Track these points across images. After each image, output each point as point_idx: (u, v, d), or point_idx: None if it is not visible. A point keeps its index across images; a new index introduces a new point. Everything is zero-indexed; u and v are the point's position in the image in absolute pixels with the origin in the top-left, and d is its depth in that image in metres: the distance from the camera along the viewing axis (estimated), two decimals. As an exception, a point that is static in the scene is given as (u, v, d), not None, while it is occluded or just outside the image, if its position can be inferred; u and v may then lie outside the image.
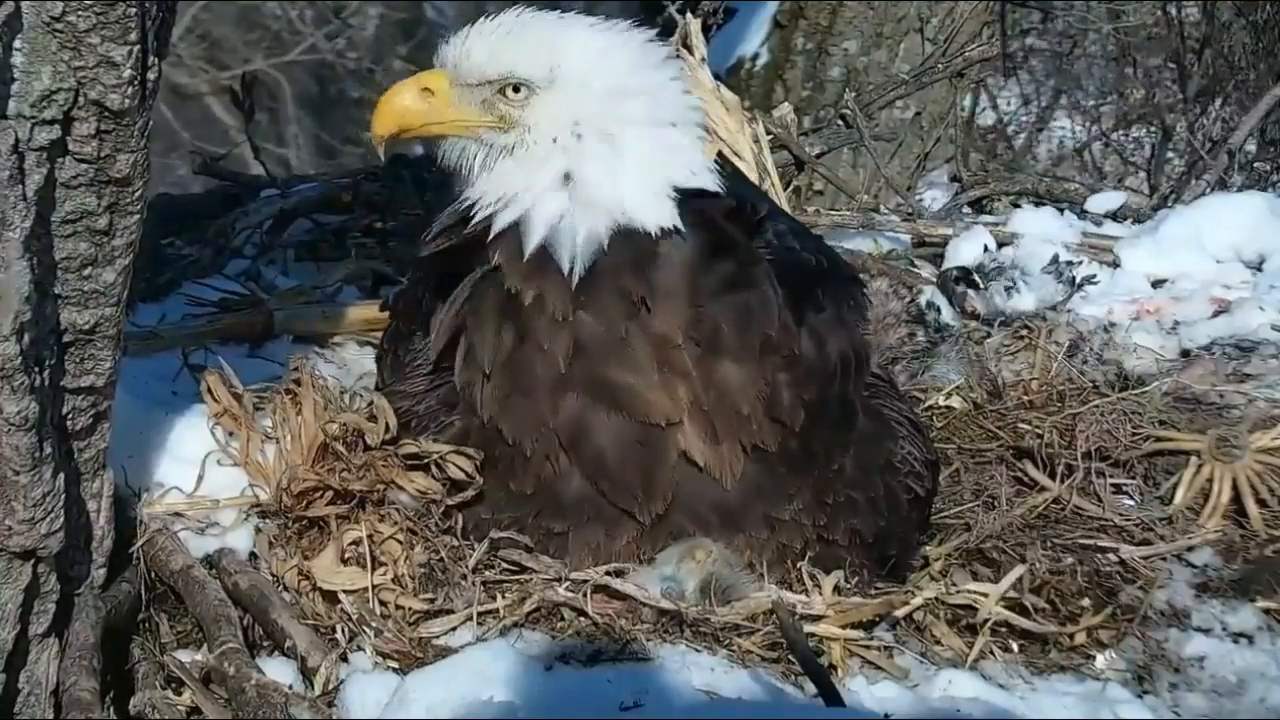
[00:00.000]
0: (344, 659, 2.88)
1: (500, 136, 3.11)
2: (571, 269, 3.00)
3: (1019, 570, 3.12)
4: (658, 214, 3.04)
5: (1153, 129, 9.90)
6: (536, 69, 3.07)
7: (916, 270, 4.91)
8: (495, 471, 3.12)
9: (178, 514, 3.17)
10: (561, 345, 3.00)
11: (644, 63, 3.14)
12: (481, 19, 3.11)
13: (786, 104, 5.70)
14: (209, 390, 3.30)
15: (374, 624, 2.93)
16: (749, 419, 3.04)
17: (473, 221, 3.10)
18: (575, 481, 3.05)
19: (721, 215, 3.10)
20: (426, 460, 3.14)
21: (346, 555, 3.05)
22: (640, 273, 3.01)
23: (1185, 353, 4.28)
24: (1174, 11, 9.06)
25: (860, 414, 3.27)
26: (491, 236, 3.06)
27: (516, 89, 3.09)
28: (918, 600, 3.06)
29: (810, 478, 3.13)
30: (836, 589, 3.06)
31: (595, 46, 3.11)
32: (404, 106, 3.12)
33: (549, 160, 3.07)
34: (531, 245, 3.02)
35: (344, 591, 3.01)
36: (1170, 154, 9.05)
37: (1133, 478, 3.58)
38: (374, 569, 3.03)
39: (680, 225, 3.04)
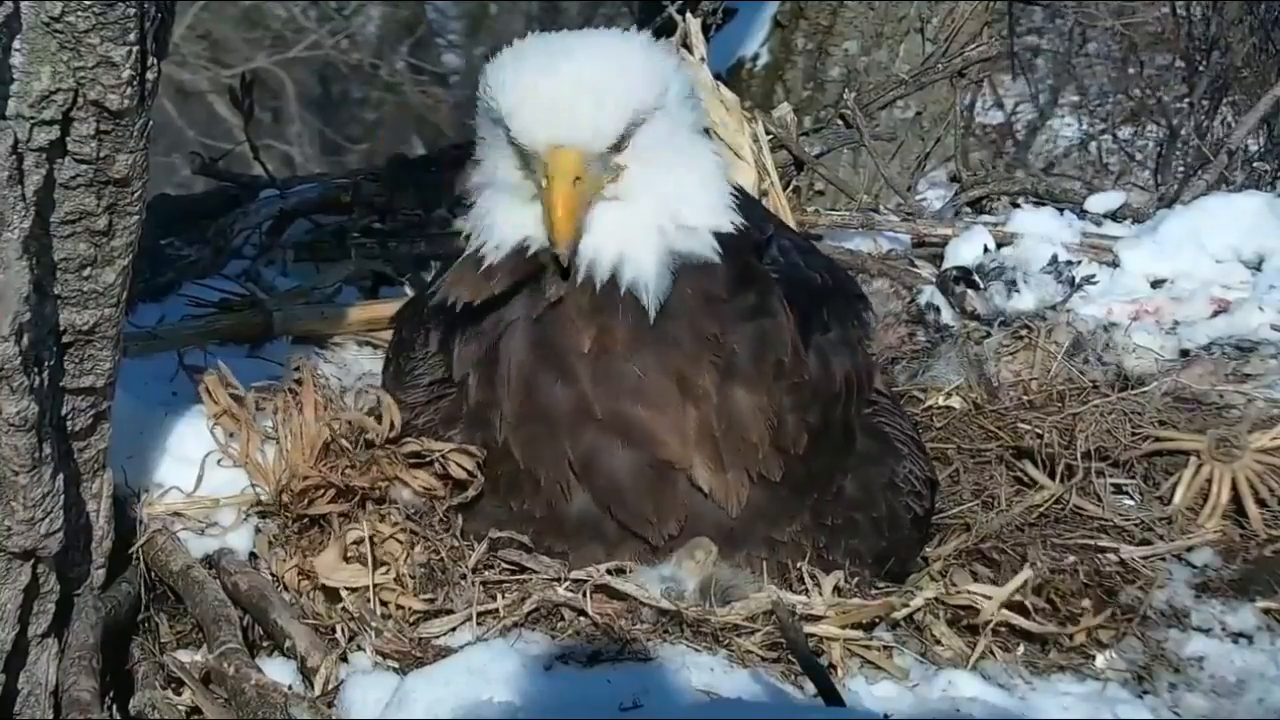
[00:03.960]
0: (344, 659, 2.88)
1: (612, 187, 3.08)
2: (646, 307, 3.01)
3: (1025, 575, 3.12)
4: (710, 249, 3.07)
5: (1160, 126, 9.91)
6: (624, 126, 3.02)
7: (916, 270, 4.90)
8: (497, 492, 3.13)
9: (177, 514, 3.17)
10: (591, 379, 3.00)
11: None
12: (575, 89, 2.96)
13: (786, 104, 5.70)
14: (208, 391, 3.30)
15: (374, 624, 2.93)
16: (756, 447, 3.05)
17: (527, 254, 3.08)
18: (577, 504, 3.06)
19: (750, 248, 3.13)
20: (429, 459, 3.14)
21: (349, 554, 3.06)
22: (713, 312, 3.03)
23: (1185, 353, 4.27)
24: (1182, 10, 9.06)
25: (861, 434, 3.28)
26: (580, 278, 3.03)
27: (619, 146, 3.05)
28: (918, 601, 3.06)
29: (810, 499, 3.14)
30: (836, 589, 3.06)
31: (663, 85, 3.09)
32: (574, 209, 2.98)
33: (641, 201, 3.06)
34: (601, 283, 3.02)
35: (346, 589, 3.01)
36: (1176, 152, 9.05)
37: (1132, 478, 3.58)
38: (375, 568, 3.03)
39: (719, 258, 3.07)
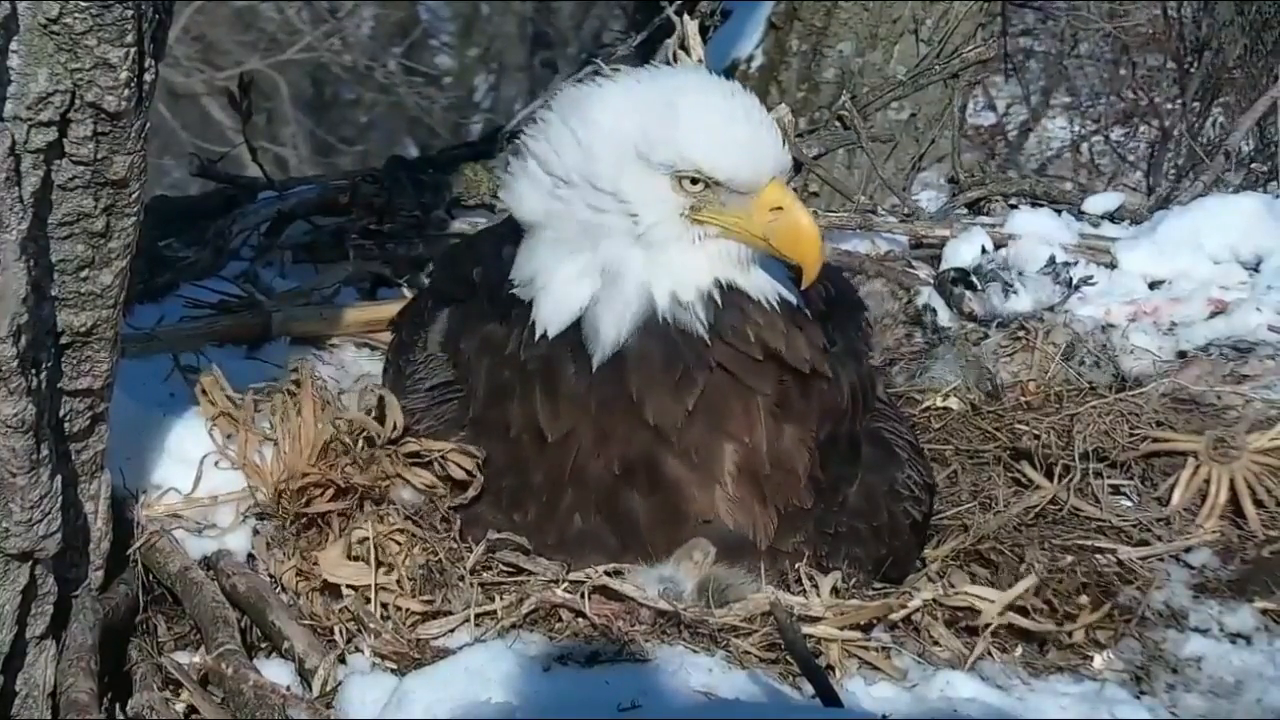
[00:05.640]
0: (342, 660, 2.88)
1: None
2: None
3: (1028, 581, 3.11)
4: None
5: (1151, 127, 9.92)
6: None
7: (914, 271, 4.91)
8: (498, 504, 3.14)
9: (176, 515, 3.17)
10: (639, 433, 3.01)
11: None
12: (768, 124, 3.02)
13: (784, 105, 5.69)
14: (204, 392, 3.30)
15: (372, 625, 2.93)
16: (799, 479, 3.08)
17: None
18: (580, 520, 3.07)
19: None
20: (428, 459, 3.15)
21: (353, 551, 3.05)
22: (772, 363, 3.07)
23: (1182, 353, 4.28)
24: (1173, 12, 9.07)
25: (865, 443, 3.29)
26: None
27: None
28: (916, 602, 3.05)
29: (816, 510, 3.14)
30: (835, 590, 3.06)
31: None
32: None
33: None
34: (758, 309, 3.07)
35: (348, 586, 3.01)
36: (1168, 153, 9.06)
37: (1130, 478, 3.59)
38: (378, 568, 3.03)
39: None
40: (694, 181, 2.98)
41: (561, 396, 3.03)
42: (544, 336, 3.05)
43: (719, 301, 3.02)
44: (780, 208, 2.98)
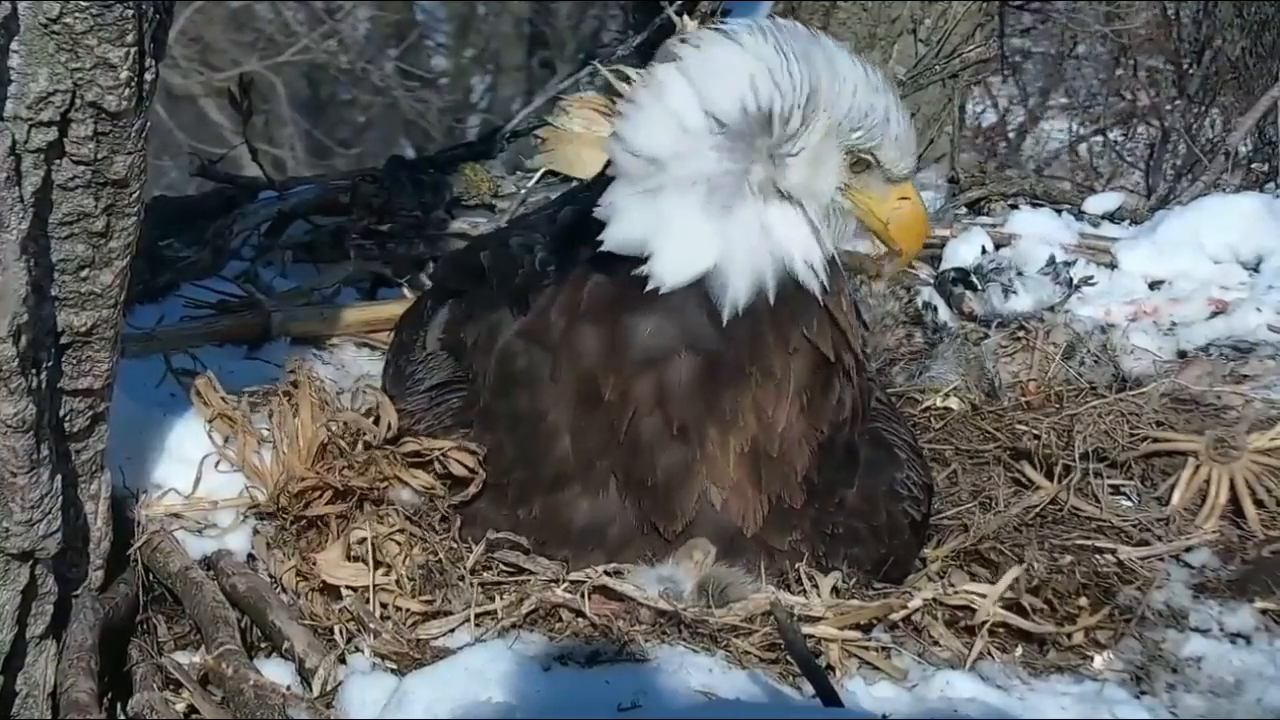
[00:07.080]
0: (342, 660, 2.88)
1: None
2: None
3: (1016, 571, 3.11)
4: None
5: (1151, 127, 9.91)
6: None
7: (914, 271, 4.91)
8: (502, 501, 3.13)
9: (176, 515, 3.17)
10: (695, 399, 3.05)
11: None
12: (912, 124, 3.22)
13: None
14: (198, 394, 3.30)
15: (372, 625, 2.93)
16: (796, 472, 3.10)
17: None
18: (584, 512, 3.07)
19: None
20: (428, 459, 3.14)
21: (352, 552, 3.06)
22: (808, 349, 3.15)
23: (1183, 353, 4.29)
24: (1172, 12, 9.07)
25: (864, 444, 3.30)
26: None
27: None
28: (916, 602, 3.05)
29: (811, 510, 3.15)
30: (835, 590, 3.06)
31: None
32: None
33: None
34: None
35: (347, 587, 3.01)
36: (1166, 153, 9.06)
37: (1130, 478, 3.59)
38: (376, 568, 3.03)
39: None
40: (861, 162, 3.14)
41: (631, 349, 3.03)
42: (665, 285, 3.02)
43: (829, 271, 3.14)
44: (907, 198, 3.23)
